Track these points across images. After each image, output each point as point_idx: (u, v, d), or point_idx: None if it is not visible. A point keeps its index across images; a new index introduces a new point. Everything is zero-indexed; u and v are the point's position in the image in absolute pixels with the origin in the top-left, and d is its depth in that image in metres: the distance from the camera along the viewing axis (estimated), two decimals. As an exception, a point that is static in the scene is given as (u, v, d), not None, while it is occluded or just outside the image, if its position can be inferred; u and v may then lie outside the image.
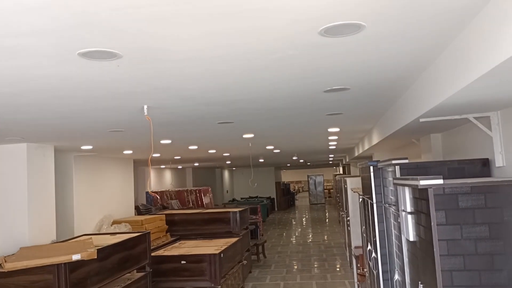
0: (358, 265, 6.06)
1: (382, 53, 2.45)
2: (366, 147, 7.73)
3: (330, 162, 24.49)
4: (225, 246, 6.64)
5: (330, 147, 10.58)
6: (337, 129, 6.40)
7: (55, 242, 5.40)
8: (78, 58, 2.25)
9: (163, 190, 13.00)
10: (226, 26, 1.94)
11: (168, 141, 6.51)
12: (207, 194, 14.30)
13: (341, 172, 26.74)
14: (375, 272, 3.96)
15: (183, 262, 6.00)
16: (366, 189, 4.30)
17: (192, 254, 6.09)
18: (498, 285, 2.10)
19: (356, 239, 7.15)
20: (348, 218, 7.73)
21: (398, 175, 3.10)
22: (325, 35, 2.09)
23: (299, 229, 15.17)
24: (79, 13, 1.71)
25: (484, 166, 3.11)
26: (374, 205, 3.75)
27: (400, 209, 2.95)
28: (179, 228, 8.39)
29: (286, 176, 42.12)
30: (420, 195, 2.41)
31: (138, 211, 10.33)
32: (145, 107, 3.64)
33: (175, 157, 10.34)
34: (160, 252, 6.50)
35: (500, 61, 1.76)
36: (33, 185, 5.59)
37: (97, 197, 8.14)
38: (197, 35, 2.03)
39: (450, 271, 2.13)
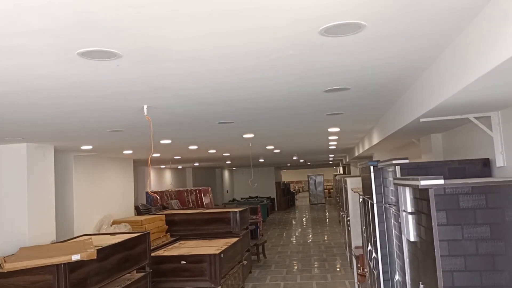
0: (359, 265, 6.06)
1: (382, 53, 2.44)
2: (366, 147, 7.73)
3: (330, 162, 24.48)
4: (225, 246, 6.63)
5: (330, 147, 10.57)
6: (337, 129, 6.40)
7: (55, 242, 5.39)
8: (78, 58, 2.24)
9: (163, 190, 13.00)
10: (226, 26, 1.93)
11: (168, 141, 6.51)
12: (207, 194, 14.30)
13: (341, 172, 26.74)
14: (375, 272, 3.96)
15: (183, 262, 5.99)
16: (366, 189, 4.30)
17: (192, 254, 6.09)
18: (499, 285, 2.09)
19: (356, 239, 7.14)
20: (348, 218, 7.73)
21: (398, 175, 3.09)
22: (326, 34, 2.08)
23: (299, 229, 15.16)
24: (79, 13, 1.70)
25: (485, 166, 3.10)
26: (375, 205, 3.74)
27: (400, 209, 2.94)
28: (179, 228, 8.38)
29: (286, 176, 42.11)
30: (420, 195, 2.40)
31: (138, 211, 10.32)
32: (145, 107, 3.64)
33: (175, 157, 10.34)
34: (160, 252, 6.50)
35: (500, 61, 1.76)
36: (33, 185, 5.58)
37: (97, 197, 8.13)
38: (197, 35, 2.03)
39: (451, 271, 2.13)
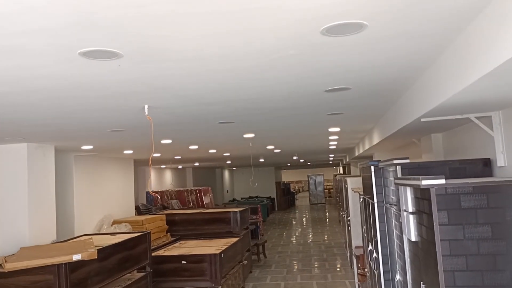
0: (359, 265, 6.05)
1: (384, 52, 2.44)
2: (367, 147, 7.73)
3: (330, 162, 24.49)
4: (226, 246, 6.63)
5: (331, 147, 10.57)
6: (337, 129, 6.40)
7: (55, 242, 5.39)
8: (79, 57, 2.24)
9: (163, 190, 12.99)
10: (226, 26, 1.93)
11: (169, 141, 6.51)
12: (208, 194, 14.30)
13: (341, 172, 26.74)
14: (376, 272, 3.95)
15: (183, 262, 5.99)
16: (367, 189, 4.30)
17: (193, 254, 6.08)
18: (501, 285, 2.09)
19: (356, 239, 7.14)
20: (349, 218, 7.72)
21: (399, 175, 3.09)
22: (327, 34, 2.08)
23: (300, 229, 15.16)
24: (80, 12, 1.70)
25: (486, 166, 3.10)
26: (375, 205, 3.74)
27: (401, 209, 2.94)
28: (179, 228, 8.38)
29: (286, 176, 42.11)
30: (422, 195, 2.40)
31: (138, 211, 10.32)
32: (146, 107, 3.63)
33: (176, 157, 10.34)
34: (161, 252, 6.49)
35: (501, 61, 1.76)
36: (34, 185, 5.58)
37: (98, 197, 8.13)
38: (197, 35, 2.02)
39: (453, 271, 2.13)
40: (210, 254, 5.94)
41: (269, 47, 2.26)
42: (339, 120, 5.37)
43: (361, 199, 5.13)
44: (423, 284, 2.53)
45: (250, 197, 22.32)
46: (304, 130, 6.24)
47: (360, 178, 7.37)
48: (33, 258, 3.91)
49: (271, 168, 24.90)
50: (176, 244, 7.42)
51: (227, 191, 23.77)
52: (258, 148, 9.35)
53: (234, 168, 24.84)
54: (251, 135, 6.46)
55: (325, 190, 31.01)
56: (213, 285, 5.88)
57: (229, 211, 8.18)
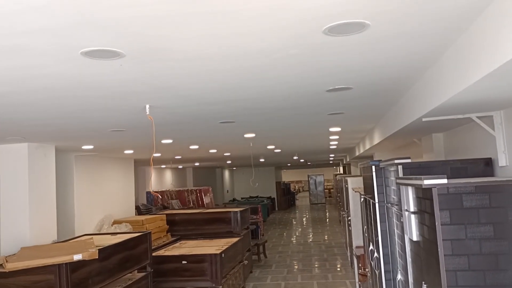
0: (360, 265, 6.05)
1: (386, 52, 2.44)
2: (367, 146, 7.73)
3: (331, 162, 24.49)
4: (226, 246, 6.63)
5: (331, 147, 10.57)
6: (338, 129, 6.40)
7: (56, 242, 5.39)
8: (81, 57, 2.24)
9: (163, 190, 12.99)
10: (229, 25, 1.93)
11: (169, 141, 6.50)
12: (208, 194, 14.29)
13: (341, 172, 26.74)
14: (377, 272, 3.95)
15: (184, 262, 5.99)
16: (368, 188, 4.30)
17: (193, 254, 6.08)
18: (503, 285, 2.09)
19: (357, 239, 7.14)
20: (349, 218, 7.72)
21: (400, 174, 3.09)
22: (329, 34, 2.08)
23: (300, 229, 15.16)
24: (82, 12, 1.70)
25: (487, 165, 3.10)
26: (377, 204, 3.74)
27: (403, 208, 2.94)
28: (179, 228, 8.38)
29: (287, 176, 42.11)
30: (424, 195, 2.40)
31: (139, 211, 10.32)
32: (147, 106, 3.63)
33: (176, 157, 10.33)
34: (161, 252, 6.49)
35: (504, 61, 1.76)
36: (34, 185, 5.58)
37: (98, 197, 8.13)
38: (200, 34, 2.02)
39: (455, 271, 2.12)
40: (210, 254, 5.94)
41: (272, 47, 2.26)
42: (340, 120, 5.37)
43: (362, 199, 5.13)
44: (425, 284, 2.53)
45: (250, 197, 22.32)
46: (304, 130, 6.24)
47: (360, 178, 7.37)
48: (34, 258, 3.91)
49: (271, 168, 24.90)
50: (177, 244, 7.42)
51: (227, 191, 23.77)
52: (258, 148, 9.35)
53: (234, 168, 24.85)
54: (251, 135, 6.46)
55: (325, 190, 31.01)
56: (213, 285, 5.88)
57: (230, 211, 8.17)
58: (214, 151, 9.23)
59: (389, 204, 3.59)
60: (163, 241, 7.74)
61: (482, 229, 2.13)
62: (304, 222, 17.55)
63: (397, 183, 3.04)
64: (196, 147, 7.87)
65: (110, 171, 8.66)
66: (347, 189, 7.93)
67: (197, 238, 8.04)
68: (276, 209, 24.49)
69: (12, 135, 4.81)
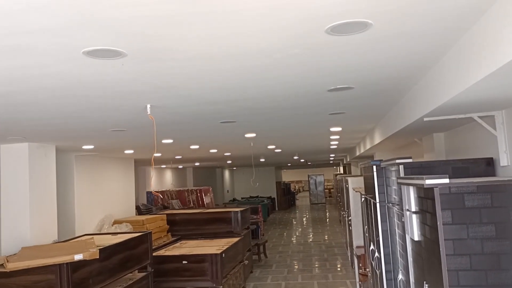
0: (360, 264, 6.05)
1: (387, 52, 2.44)
2: (368, 146, 7.72)
3: (331, 162, 24.48)
4: (227, 246, 6.63)
5: (332, 147, 10.57)
6: (339, 129, 6.39)
7: (56, 242, 5.38)
8: (82, 57, 2.24)
9: (163, 189, 12.99)
10: (229, 25, 1.92)
11: (170, 141, 6.50)
12: (208, 194, 14.29)
13: (342, 171, 26.73)
14: (378, 272, 3.95)
15: (184, 262, 5.98)
16: (368, 188, 4.29)
17: (194, 254, 6.08)
18: (505, 285, 2.09)
19: (357, 239, 7.13)
20: (350, 218, 7.72)
21: (402, 174, 3.08)
22: (332, 33, 2.07)
23: (300, 229, 15.15)
24: (84, 11, 1.70)
25: (489, 165, 3.10)
26: (377, 204, 3.73)
27: (404, 208, 2.93)
28: (180, 228, 8.38)
29: (287, 176, 42.11)
30: (425, 195, 2.40)
31: (139, 211, 10.32)
32: (148, 106, 3.63)
33: (176, 157, 10.33)
34: (162, 252, 6.49)
35: (505, 61, 1.76)
36: (35, 185, 5.58)
37: (98, 197, 8.13)
38: (201, 34, 2.02)
39: (456, 270, 2.12)
40: (211, 254, 5.93)
41: (273, 47, 2.26)
42: (341, 120, 5.37)
43: (363, 199, 5.12)
44: (426, 283, 2.52)
45: (251, 197, 22.32)
46: (305, 129, 6.23)
47: (361, 178, 7.37)
48: (35, 258, 3.91)
49: (271, 168, 24.91)
50: (177, 244, 7.42)
51: (228, 191, 23.77)
52: (259, 148, 9.34)
53: (234, 168, 24.85)
54: (252, 135, 6.46)
55: (326, 190, 31.01)
56: (214, 285, 5.87)
57: (230, 211, 8.17)
58: (215, 151, 9.23)
59: (390, 204, 3.58)
60: (164, 241, 7.74)
61: (484, 229, 2.13)
62: (304, 222, 17.55)
63: (398, 183, 3.04)
64: (196, 147, 7.86)
65: (110, 171, 8.65)
66: (347, 189, 7.92)
67: (198, 238, 8.04)
68: (276, 209, 24.49)
69: (12, 135, 4.81)
